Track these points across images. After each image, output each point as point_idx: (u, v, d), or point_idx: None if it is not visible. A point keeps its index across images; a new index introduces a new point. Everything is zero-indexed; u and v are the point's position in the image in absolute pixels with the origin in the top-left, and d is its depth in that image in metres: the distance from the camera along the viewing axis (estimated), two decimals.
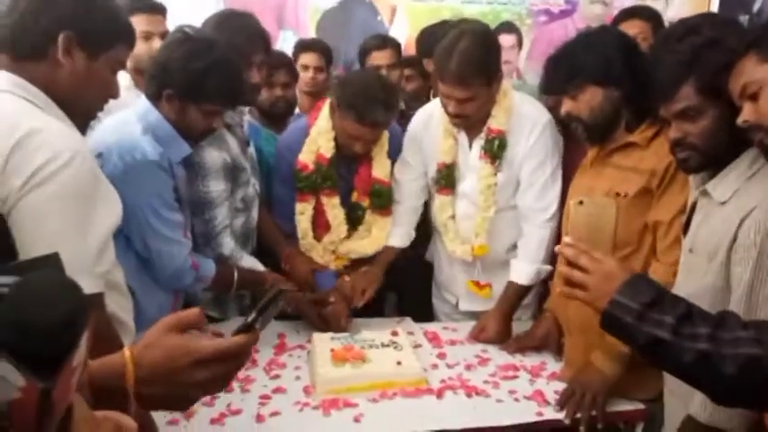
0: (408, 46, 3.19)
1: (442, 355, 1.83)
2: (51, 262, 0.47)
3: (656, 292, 0.97)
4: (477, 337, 1.95)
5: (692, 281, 1.35)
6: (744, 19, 3.71)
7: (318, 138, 2.02)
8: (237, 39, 1.77)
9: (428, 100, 2.37)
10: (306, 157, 2.03)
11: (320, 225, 2.08)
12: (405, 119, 2.26)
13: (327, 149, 2.01)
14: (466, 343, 1.92)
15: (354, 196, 2.09)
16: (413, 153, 2.10)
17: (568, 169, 1.93)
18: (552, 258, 1.96)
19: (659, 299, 0.96)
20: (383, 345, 1.75)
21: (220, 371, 0.73)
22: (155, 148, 1.54)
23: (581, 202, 1.11)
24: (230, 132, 1.88)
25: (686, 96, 1.29)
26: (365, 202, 2.09)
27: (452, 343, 1.92)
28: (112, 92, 1.22)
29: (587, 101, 1.61)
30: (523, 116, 1.94)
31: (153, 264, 1.62)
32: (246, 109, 2.04)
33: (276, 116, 2.38)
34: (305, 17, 3.27)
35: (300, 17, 3.24)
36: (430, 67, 2.53)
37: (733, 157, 1.27)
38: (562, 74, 1.65)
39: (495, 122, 1.92)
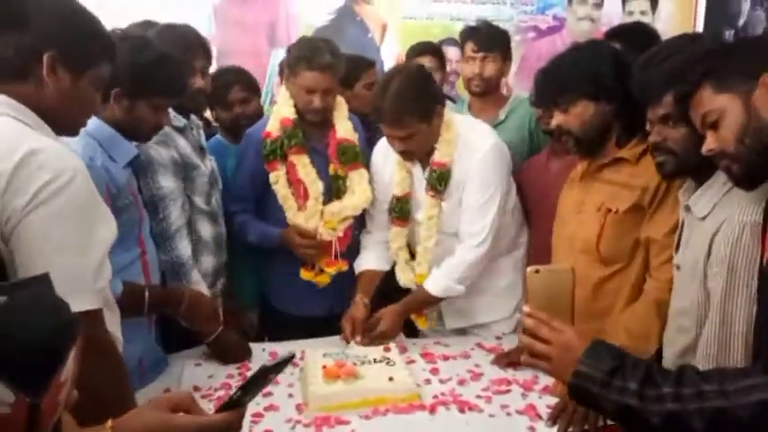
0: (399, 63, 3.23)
1: (434, 371, 1.82)
2: (41, 282, 0.48)
3: (617, 358, 0.99)
4: (371, 328, 1.97)
5: (680, 298, 1.37)
6: (729, 33, 3.78)
7: (281, 108, 2.10)
8: (176, 50, 1.78)
9: None
10: (271, 126, 2.09)
11: (299, 195, 2.10)
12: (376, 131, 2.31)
13: (290, 114, 2.08)
14: (458, 358, 1.92)
15: (332, 169, 2.13)
16: (378, 185, 2.14)
17: (558, 180, 1.95)
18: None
19: (620, 364, 0.98)
20: (375, 360, 1.74)
21: None
22: (84, 153, 1.48)
23: (537, 271, 1.12)
24: (181, 134, 1.89)
25: (669, 103, 1.32)
26: (343, 171, 2.13)
27: (445, 358, 1.92)
28: (96, 108, 1.24)
29: (578, 114, 1.62)
30: (467, 144, 1.98)
31: None
32: (200, 123, 2.06)
33: (240, 133, 2.33)
34: (297, 35, 3.30)
35: (292, 35, 3.28)
36: None
37: (714, 170, 1.30)
38: (554, 87, 1.67)
39: (439, 155, 1.97)
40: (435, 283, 2.01)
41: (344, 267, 2.12)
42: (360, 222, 2.20)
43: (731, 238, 1.19)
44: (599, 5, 3.65)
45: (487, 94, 2.46)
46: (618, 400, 0.96)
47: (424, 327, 2.14)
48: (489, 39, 2.46)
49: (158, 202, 1.77)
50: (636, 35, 2.22)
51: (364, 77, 2.48)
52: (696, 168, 1.34)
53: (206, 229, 1.94)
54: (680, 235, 1.42)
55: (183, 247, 1.82)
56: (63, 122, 1.18)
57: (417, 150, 1.95)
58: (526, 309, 1.08)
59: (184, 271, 1.82)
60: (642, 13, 3.70)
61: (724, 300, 1.18)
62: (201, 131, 2.04)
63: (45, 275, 0.49)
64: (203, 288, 1.87)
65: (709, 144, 1.14)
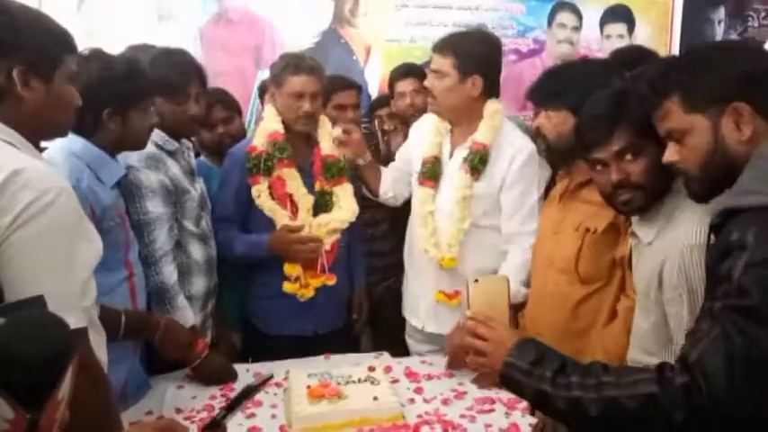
0: (383, 85, 3.27)
1: (419, 390, 1.83)
2: (36, 304, 0.50)
3: (540, 351, 1.11)
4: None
5: (640, 321, 1.40)
6: None
7: (267, 124, 2.12)
8: (172, 75, 1.84)
9: (406, 137, 2.44)
10: (256, 141, 2.12)
11: (286, 209, 2.11)
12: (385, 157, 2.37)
13: (278, 128, 2.11)
14: (443, 377, 1.93)
15: (317, 185, 2.15)
16: (401, 155, 2.26)
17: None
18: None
19: (541, 356, 1.10)
20: (360, 380, 1.75)
21: None
22: (71, 174, 1.48)
23: (476, 281, 1.27)
24: (172, 158, 1.90)
25: (622, 136, 1.33)
26: (328, 187, 2.16)
27: (429, 377, 1.93)
28: (76, 101, 1.23)
29: (557, 124, 1.66)
30: (509, 141, 2.03)
31: None
32: (191, 145, 2.07)
33: (225, 153, 2.32)
34: None
35: (278, 57, 3.31)
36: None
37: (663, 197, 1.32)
38: (548, 88, 1.70)
39: (481, 136, 2.02)
40: None
41: (330, 281, 2.12)
42: (346, 236, 2.21)
43: (681, 264, 1.22)
44: (578, 29, 3.73)
45: None
46: (536, 387, 1.07)
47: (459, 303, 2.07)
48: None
49: (144, 227, 1.77)
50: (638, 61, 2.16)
51: (334, 98, 2.50)
52: (659, 199, 1.35)
53: (197, 252, 1.95)
54: (629, 259, 1.45)
55: (169, 273, 1.81)
56: (51, 127, 1.19)
57: (439, 97, 2.02)
58: (468, 313, 1.22)
59: (169, 296, 1.81)
60: (620, 36, 3.79)
61: (693, 322, 1.21)
62: (192, 154, 2.05)
63: (39, 297, 0.50)
64: (189, 314, 1.86)
65: (671, 156, 1.14)
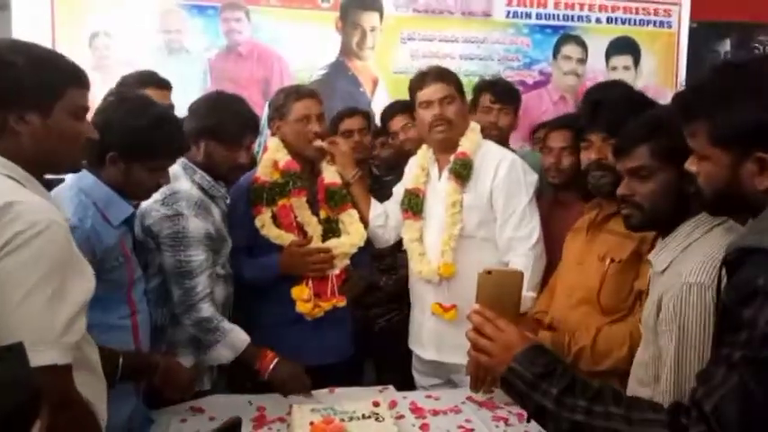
0: None
1: (424, 427, 1.79)
2: (13, 352, 0.48)
3: (549, 364, 1.07)
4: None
5: (642, 350, 1.38)
6: None
7: (274, 155, 2.13)
8: (232, 124, 1.87)
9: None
10: (260, 172, 2.13)
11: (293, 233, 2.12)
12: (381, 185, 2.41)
13: (288, 159, 2.13)
14: (449, 413, 1.89)
15: (323, 213, 2.17)
16: (398, 190, 2.29)
17: (562, 230, 1.97)
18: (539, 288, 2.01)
19: (551, 370, 1.06)
20: (364, 416, 1.72)
21: None
22: (75, 213, 1.47)
23: (489, 272, 1.20)
24: (215, 203, 1.92)
25: (641, 156, 1.34)
26: (333, 215, 2.18)
27: (435, 413, 1.89)
28: (86, 134, 1.20)
29: None
30: (490, 152, 2.13)
31: None
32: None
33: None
34: None
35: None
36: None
37: (678, 224, 1.31)
38: (614, 115, 1.65)
39: (462, 148, 2.11)
40: None
41: (341, 303, 2.12)
42: (353, 261, 2.20)
43: (679, 298, 1.20)
44: (583, 61, 3.77)
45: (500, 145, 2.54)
46: (539, 401, 1.04)
47: (453, 318, 2.07)
48: (505, 92, 2.62)
49: (186, 274, 1.81)
50: None
51: (341, 126, 2.56)
52: (662, 223, 1.35)
53: (219, 293, 1.96)
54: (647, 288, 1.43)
55: (207, 308, 1.85)
56: (54, 162, 1.17)
57: (453, 120, 2.09)
58: (476, 307, 1.16)
59: (214, 326, 1.85)
60: (625, 68, 3.82)
61: (678, 363, 1.18)
62: (228, 198, 2.07)
63: (18, 345, 0.48)
64: (240, 334, 1.88)
65: (691, 165, 1.10)
